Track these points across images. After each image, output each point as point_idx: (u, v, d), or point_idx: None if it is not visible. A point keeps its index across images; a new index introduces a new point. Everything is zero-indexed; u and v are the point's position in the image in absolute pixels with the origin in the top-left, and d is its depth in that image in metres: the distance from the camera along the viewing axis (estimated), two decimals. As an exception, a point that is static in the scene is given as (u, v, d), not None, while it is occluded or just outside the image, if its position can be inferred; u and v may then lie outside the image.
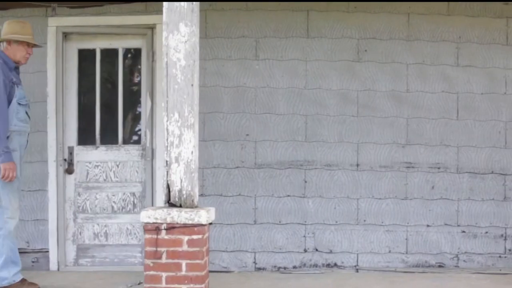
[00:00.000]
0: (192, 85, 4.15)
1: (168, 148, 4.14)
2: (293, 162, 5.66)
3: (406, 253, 5.70)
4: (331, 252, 5.67)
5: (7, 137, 4.56)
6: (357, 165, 5.69)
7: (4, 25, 4.78)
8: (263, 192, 5.65)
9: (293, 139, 5.67)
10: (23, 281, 4.69)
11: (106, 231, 5.78)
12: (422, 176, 5.71)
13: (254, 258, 5.66)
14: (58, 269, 5.70)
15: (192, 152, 4.14)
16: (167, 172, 4.14)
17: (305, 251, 5.66)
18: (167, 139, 4.14)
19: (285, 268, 5.65)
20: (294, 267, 5.66)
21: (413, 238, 5.70)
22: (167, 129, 4.14)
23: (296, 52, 5.69)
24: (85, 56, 5.88)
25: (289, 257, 5.66)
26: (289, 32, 5.69)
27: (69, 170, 5.77)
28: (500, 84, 5.77)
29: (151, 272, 4.02)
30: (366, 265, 5.68)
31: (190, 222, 4.01)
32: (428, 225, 5.71)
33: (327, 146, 5.68)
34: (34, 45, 4.85)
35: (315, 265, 5.67)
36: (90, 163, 5.79)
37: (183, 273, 4.00)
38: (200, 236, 4.02)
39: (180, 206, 4.13)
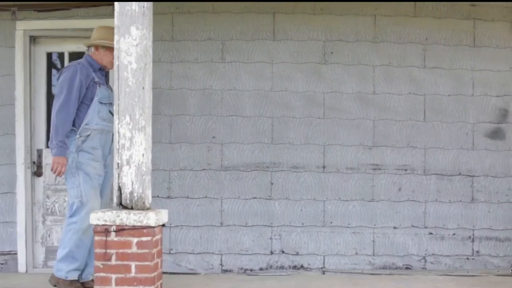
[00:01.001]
0: (143, 88, 4.18)
1: (120, 151, 4.17)
2: (260, 164, 5.68)
3: (373, 255, 5.69)
4: (297, 254, 5.67)
5: (87, 136, 4.62)
6: (324, 167, 5.69)
7: (94, 30, 4.87)
8: (230, 194, 5.67)
9: (259, 141, 5.68)
10: (73, 282, 4.64)
11: (74, 233, 5.80)
12: (389, 178, 5.71)
13: (221, 260, 5.67)
14: (27, 271, 5.73)
15: (143, 155, 4.16)
16: (119, 174, 4.17)
17: (272, 253, 5.67)
18: (118, 142, 4.17)
19: (251, 270, 5.66)
20: (261, 269, 5.67)
21: (380, 240, 5.70)
22: (118, 132, 4.17)
23: (262, 55, 5.70)
24: (55, 59, 5.92)
25: (256, 259, 5.67)
26: (256, 34, 5.71)
27: (38, 173, 5.80)
28: (467, 85, 5.76)
29: (101, 274, 4.04)
30: (333, 267, 5.68)
31: (139, 224, 4.03)
32: (395, 227, 5.71)
33: (294, 148, 5.68)
34: None
35: (282, 267, 5.67)
36: (58, 165, 5.81)
37: (133, 275, 4.03)
38: (149, 238, 4.04)
39: (132, 208, 4.16)
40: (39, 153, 5.82)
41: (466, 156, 5.74)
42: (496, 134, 5.78)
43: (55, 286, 4.67)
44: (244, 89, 5.70)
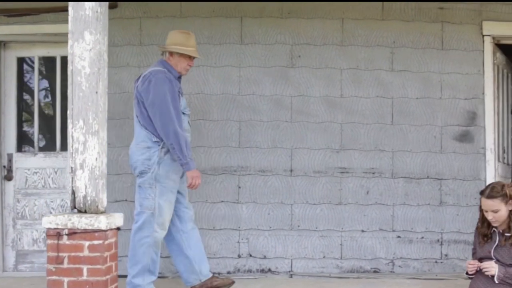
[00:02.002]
0: (96, 92, 4.20)
1: (73, 155, 4.19)
2: (227, 168, 5.69)
3: (341, 258, 5.69)
4: (265, 257, 5.68)
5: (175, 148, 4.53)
6: (291, 170, 5.70)
7: (168, 35, 4.79)
8: (197, 198, 5.67)
9: (226, 145, 5.70)
10: None
11: (45, 237, 5.83)
12: (356, 181, 5.71)
13: (189, 264, 5.67)
14: (-4, 275, 5.78)
15: (96, 159, 4.19)
16: (72, 178, 4.20)
17: (239, 256, 5.68)
18: (72, 146, 4.19)
19: (219, 273, 5.65)
20: (228, 272, 5.67)
21: (347, 243, 5.70)
22: (72, 136, 4.19)
23: (230, 59, 5.72)
24: (25, 64, 5.97)
25: (223, 263, 5.68)
26: (223, 38, 5.73)
27: (8, 177, 5.84)
28: (435, 88, 5.76)
29: (54, 277, 4.07)
30: (300, 271, 5.68)
31: (91, 227, 4.06)
32: (363, 230, 5.70)
33: (261, 151, 5.69)
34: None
35: (249, 271, 5.68)
36: (29, 170, 5.87)
37: (85, 278, 4.05)
38: (100, 242, 4.06)
39: (85, 211, 4.18)
40: (10, 157, 5.86)
41: (434, 159, 5.73)
42: (464, 137, 5.77)
43: None
44: (211, 93, 5.72)
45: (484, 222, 4.24)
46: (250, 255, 5.68)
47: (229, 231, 5.68)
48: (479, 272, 4.16)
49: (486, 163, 5.75)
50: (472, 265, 4.19)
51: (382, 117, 5.73)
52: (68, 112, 4.21)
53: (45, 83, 6.04)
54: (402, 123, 5.73)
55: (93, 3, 4.20)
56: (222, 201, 5.69)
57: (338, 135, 5.72)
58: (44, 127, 5.98)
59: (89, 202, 4.17)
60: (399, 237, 5.71)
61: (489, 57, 5.79)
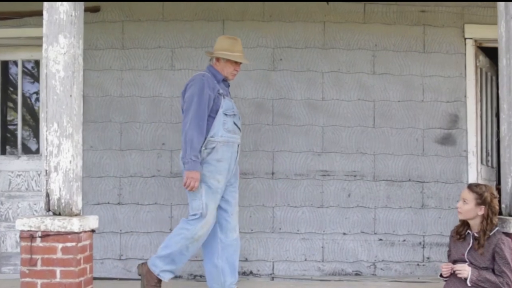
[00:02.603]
0: (70, 96, 4.23)
1: (48, 158, 4.22)
2: (209, 170, 5.69)
3: (322, 261, 5.69)
4: (246, 260, 5.68)
5: (213, 148, 4.58)
6: (273, 173, 5.71)
7: (217, 40, 4.84)
8: (179, 200, 5.69)
9: (208, 148, 5.70)
10: (159, 282, 4.63)
11: (28, 239, 5.85)
12: (338, 184, 5.71)
13: (171, 266, 5.68)
14: (-21, 277, 5.79)
15: (70, 162, 4.21)
16: (47, 181, 4.22)
17: (221, 259, 5.68)
18: (46, 149, 4.22)
19: (201, 276, 5.67)
20: (210, 275, 5.67)
21: (329, 246, 5.70)
22: (46, 139, 4.22)
23: (211, 62, 5.73)
24: (9, 67, 6.00)
25: (205, 265, 5.68)
26: (205, 42, 5.75)
27: (-8, 180, 5.87)
28: (417, 91, 5.77)
29: (27, 279, 4.09)
30: (282, 273, 5.68)
31: (63, 230, 4.07)
32: (344, 233, 5.71)
33: (242, 154, 5.67)
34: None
35: (231, 273, 5.67)
36: (12, 172, 5.89)
37: (58, 280, 4.06)
38: (73, 244, 4.08)
39: (59, 214, 4.20)
40: (-7, 160, 5.89)
41: (416, 162, 5.74)
42: (446, 140, 5.77)
43: (139, 274, 4.67)
44: (193, 96, 5.71)
45: (463, 221, 4.25)
46: (232, 258, 5.67)
47: (211, 233, 5.68)
48: (453, 274, 4.15)
49: (468, 166, 5.75)
50: (445, 267, 4.19)
51: (364, 120, 5.74)
52: (43, 115, 4.24)
53: (29, 86, 6.06)
54: (384, 126, 5.74)
55: (68, 7, 4.23)
56: (204, 204, 5.68)
57: (319, 138, 5.72)
58: (28, 130, 6.00)
59: (63, 204, 4.20)
60: (381, 240, 5.71)
61: (471, 60, 5.80)
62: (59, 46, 4.22)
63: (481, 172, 5.91)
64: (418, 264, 5.70)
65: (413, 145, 5.75)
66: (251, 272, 5.69)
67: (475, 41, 5.79)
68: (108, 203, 5.69)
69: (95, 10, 5.72)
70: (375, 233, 5.71)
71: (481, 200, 4.13)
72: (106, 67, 5.74)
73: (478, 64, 5.84)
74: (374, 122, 5.74)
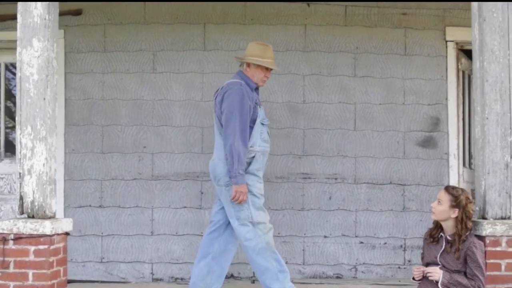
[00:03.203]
0: (44, 99, 4.26)
1: (21, 161, 4.24)
2: (190, 173, 5.72)
3: (303, 264, 5.70)
4: (227, 263, 5.68)
5: (253, 157, 4.53)
6: (253, 176, 5.70)
7: (248, 45, 4.78)
8: (160, 203, 5.71)
9: (189, 151, 5.73)
10: None
11: (11, 242, 5.87)
12: (319, 187, 5.72)
13: (152, 269, 5.71)
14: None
15: (44, 165, 4.23)
16: (21, 184, 4.25)
17: (202, 262, 5.68)
18: (20, 152, 4.25)
19: (182, 279, 5.68)
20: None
21: (310, 249, 5.70)
22: (20, 142, 4.25)
23: (193, 65, 5.76)
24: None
25: (186, 268, 5.69)
26: (186, 45, 5.77)
27: (-25, 183, 5.89)
28: (398, 94, 5.77)
29: (0, 282, 4.10)
30: (263, 276, 5.67)
31: (36, 232, 4.10)
32: (325, 236, 5.71)
33: (223, 157, 5.70)
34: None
35: (212, 276, 5.68)
36: (-5, 175, 5.92)
37: (30, 282, 4.09)
38: (46, 246, 4.10)
39: (33, 217, 4.23)
40: (-24, 163, 5.91)
41: (397, 164, 5.74)
42: (427, 143, 5.77)
43: None
44: (174, 99, 5.75)
45: (436, 224, 4.25)
46: (213, 261, 5.68)
47: (192, 236, 5.70)
48: (426, 277, 4.15)
49: (450, 169, 5.76)
50: (417, 270, 4.19)
51: (345, 122, 5.75)
52: (17, 118, 4.26)
53: (10, 89, 6.08)
54: (365, 129, 5.74)
55: (42, 10, 4.27)
56: (185, 207, 5.71)
57: (300, 141, 5.73)
58: (11, 133, 6.02)
59: (36, 207, 4.22)
60: (361, 242, 5.71)
61: (453, 62, 5.80)
62: (33, 50, 4.25)
63: (463, 174, 5.91)
64: (399, 267, 5.69)
65: (394, 147, 5.75)
66: (232, 275, 5.70)
67: (457, 43, 5.80)
68: (90, 206, 5.71)
69: (77, 13, 5.75)
70: (356, 236, 5.71)
71: (456, 203, 4.12)
72: (88, 70, 5.77)
73: (460, 66, 5.84)
74: (355, 124, 5.74)
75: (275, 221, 5.68)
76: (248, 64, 4.67)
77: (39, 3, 4.24)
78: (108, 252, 5.72)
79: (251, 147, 4.53)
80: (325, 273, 5.69)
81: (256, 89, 4.70)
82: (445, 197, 4.15)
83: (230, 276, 5.69)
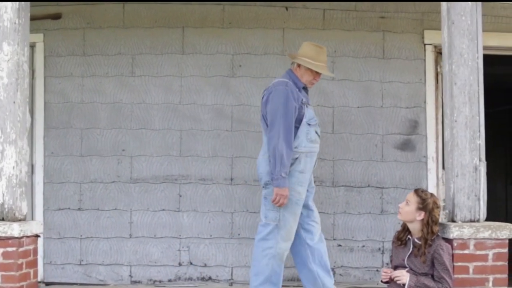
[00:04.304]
0: (14, 102, 4.29)
1: (-9, 163, 4.27)
2: (168, 176, 5.74)
3: (282, 266, 5.69)
4: (205, 265, 5.71)
5: (296, 159, 4.47)
6: (232, 179, 5.73)
7: (302, 45, 4.74)
8: (139, 206, 5.73)
9: (168, 154, 5.75)
10: None
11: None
12: (297, 190, 5.71)
13: (130, 272, 5.72)
14: None
15: (13, 167, 4.27)
16: (-10, 186, 4.27)
17: (180, 264, 5.71)
18: (-11, 155, 4.27)
19: (160, 281, 5.70)
20: (169, 280, 5.71)
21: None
22: (-11, 145, 4.28)
23: (171, 68, 5.78)
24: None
25: (164, 271, 5.71)
26: (165, 48, 5.79)
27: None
28: (376, 97, 5.78)
29: (-32, 284, 4.14)
30: (241, 279, 5.70)
31: (4, 235, 4.13)
32: (303, 239, 5.70)
33: (202, 160, 5.74)
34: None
35: (190, 279, 5.71)
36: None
37: (-1, 285, 4.11)
38: (14, 249, 4.13)
39: (3, 219, 4.26)
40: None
41: (375, 167, 5.74)
42: (406, 146, 5.77)
43: None
44: (153, 103, 5.77)
45: (403, 227, 4.26)
46: (191, 263, 5.71)
47: (170, 239, 5.72)
48: (394, 280, 4.16)
49: (428, 172, 5.76)
50: (385, 273, 4.20)
51: (323, 126, 5.70)
52: (-13, 121, 4.28)
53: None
54: (343, 132, 5.75)
55: (12, 14, 4.30)
56: (163, 210, 5.73)
57: (278, 144, 5.73)
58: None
59: (6, 210, 4.25)
60: (339, 245, 5.71)
61: (431, 65, 5.81)
62: (3, 53, 4.29)
63: (442, 178, 5.89)
64: (377, 270, 5.69)
65: (372, 150, 5.76)
66: (210, 278, 5.71)
67: (435, 47, 5.80)
68: (69, 208, 5.73)
69: (57, 17, 5.78)
70: (334, 239, 5.71)
71: (423, 206, 4.14)
72: (67, 74, 5.80)
73: (438, 70, 5.83)
74: (333, 127, 5.76)
75: (253, 224, 5.71)
76: (299, 64, 4.61)
77: (9, 7, 4.26)
78: (87, 254, 5.74)
79: (295, 148, 4.45)
80: (303, 276, 5.67)
81: (305, 88, 4.66)
82: (413, 199, 4.17)
83: (208, 279, 5.71)
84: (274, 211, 4.47)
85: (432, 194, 4.24)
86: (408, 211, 4.15)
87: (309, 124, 4.54)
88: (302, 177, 4.51)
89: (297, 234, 4.66)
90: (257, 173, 4.64)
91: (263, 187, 4.55)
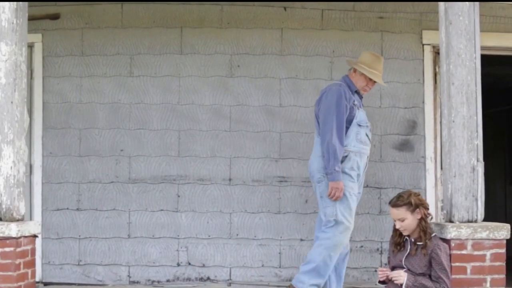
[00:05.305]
0: (11, 102, 4.28)
1: (-11, 164, 4.27)
2: (167, 176, 5.73)
3: (280, 267, 5.70)
4: (204, 266, 5.71)
5: (345, 157, 4.66)
6: (230, 179, 5.73)
7: (361, 53, 5.02)
8: (137, 206, 5.73)
9: (166, 154, 5.75)
10: None
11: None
12: (295, 190, 5.73)
13: (128, 272, 5.72)
14: None
15: (11, 168, 4.26)
16: (-13, 187, 4.27)
17: (178, 265, 5.71)
18: (-13, 155, 4.27)
19: (158, 282, 5.70)
20: (168, 280, 5.71)
21: (286, 252, 5.71)
22: (-13, 145, 4.27)
23: (169, 68, 5.78)
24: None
25: (163, 271, 5.71)
26: (163, 48, 5.79)
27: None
28: (374, 97, 5.77)
29: (-34, 284, 4.14)
30: (239, 279, 5.70)
31: (2, 235, 4.13)
32: (301, 239, 5.72)
33: (200, 161, 5.74)
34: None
35: (188, 279, 5.71)
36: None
37: (-4, 285, 4.11)
38: (12, 249, 4.13)
39: (0, 219, 4.25)
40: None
41: (374, 168, 5.72)
42: (404, 146, 5.77)
43: None
44: (151, 103, 5.77)
45: (396, 231, 4.24)
46: (189, 264, 5.71)
47: (169, 239, 5.72)
48: (391, 281, 4.15)
49: (426, 172, 5.76)
50: (381, 272, 4.20)
51: (321, 126, 5.73)
52: (-16, 121, 4.28)
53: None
54: (342, 132, 5.73)
55: (10, 14, 4.29)
56: (162, 210, 5.73)
57: (277, 144, 5.74)
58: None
59: (4, 210, 4.25)
60: (338, 246, 5.70)
61: (430, 66, 5.81)
62: (1, 53, 4.29)
63: (441, 178, 5.89)
64: (375, 270, 5.66)
65: (370, 151, 5.70)
66: (208, 278, 5.71)
67: (433, 47, 5.79)
68: (67, 209, 5.73)
69: (55, 17, 5.78)
70: (332, 239, 5.69)
71: (413, 206, 4.14)
72: (65, 74, 5.80)
73: (436, 70, 5.83)
74: (331, 128, 5.73)
75: (251, 224, 5.72)
76: (355, 70, 4.83)
77: (7, 7, 4.26)
78: (85, 254, 5.74)
79: (345, 146, 4.65)
80: (301, 276, 5.67)
81: (358, 93, 4.85)
82: (401, 212, 4.14)
83: (206, 279, 5.71)
84: (330, 207, 4.64)
85: (404, 192, 4.24)
86: (409, 223, 4.13)
87: (359, 125, 4.74)
88: (352, 173, 4.70)
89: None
90: (309, 172, 4.84)
91: (317, 184, 4.72)
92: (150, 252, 5.72)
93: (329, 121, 4.62)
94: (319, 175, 4.70)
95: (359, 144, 4.73)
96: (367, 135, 4.80)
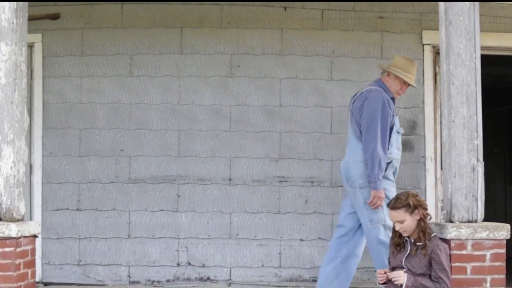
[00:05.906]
0: (12, 102, 4.28)
1: (-12, 164, 4.26)
2: (167, 176, 5.74)
3: (280, 267, 5.70)
4: (204, 266, 5.71)
5: (389, 163, 4.69)
6: (230, 179, 5.73)
7: (394, 57, 5.01)
8: (137, 206, 5.73)
9: (166, 154, 5.75)
10: None
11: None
12: (295, 190, 5.73)
13: (128, 272, 5.73)
14: None
15: (11, 168, 4.25)
16: (-13, 187, 4.27)
17: (178, 265, 5.72)
18: (-13, 155, 4.27)
19: (158, 282, 5.70)
20: (168, 280, 5.71)
21: (286, 252, 5.71)
22: (-13, 145, 4.27)
23: (169, 69, 5.79)
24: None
25: (163, 271, 5.72)
26: (163, 48, 5.80)
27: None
28: (374, 97, 5.75)
29: (-34, 284, 4.13)
30: (239, 279, 5.70)
31: (2, 235, 4.12)
32: (301, 239, 5.72)
33: (200, 161, 5.74)
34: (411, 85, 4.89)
35: (189, 279, 5.71)
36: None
37: (-4, 285, 4.11)
38: (12, 249, 4.12)
39: (0, 219, 4.25)
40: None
41: (374, 168, 5.71)
42: (404, 146, 5.71)
43: None
44: (151, 103, 5.78)
45: (396, 232, 4.23)
46: (189, 264, 5.72)
47: (169, 239, 5.72)
48: (391, 281, 4.15)
49: (426, 172, 5.76)
50: (381, 274, 4.19)
51: (321, 126, 5.76)
52: (-16, 122, 4.28)
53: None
54: (341, 132, 5.73)
55: (10, 14, 4.27)
56: (162, 210, 5.73)
57: (277, 144, 5.75)
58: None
59: (4, 210, 4.24)
60: (338, 246, 5.69)
61: (430, 66, 5.81)
62: (1, 53, 4.28)
63: (441, 178, 5.89)
64: (375, 270, 5.65)
65: (370, 151, 5.73)
66: (208, 278, 5.71)
67: (433, 47, 5.79)
68: (67, 209, 5.74)
69: (55, 17, 5.78)
70: (332, 239, 5.70)
71: (411, 207, 4.11)
72: (65, 74, 5.80)
73: (436, 70, 5.83)
74: (331, 128, 5.76)
75: (251, 224, 5.73)
76: (388, 74, 4.79)
77: (7, 7, 4.26)
78: (85, 254, 5.74)
79: (388, 154, 4.66)
80: (301, 276, 5.69)
81: (392, 98, 4.79)
82: (400, 214, 4.11)
83: (206, 279, 5.71)
84: (378, 213, 4.63)
85: (401, 194, 4.21)
86: (409, 224, 4.10)
87: (398, 133, 4.77)
88: (393, 179, 4.76)
89: (355, 234, 4.80)
90: (347, 177, 4.76)
91: (359, 191, 4.66)
92: (150, 252, 5.72)
93: (373, 129, 4.57)
94: (361, 181, 4.66)
95: (397, 151, 4.77)
96: (400, 142, 4.85)
